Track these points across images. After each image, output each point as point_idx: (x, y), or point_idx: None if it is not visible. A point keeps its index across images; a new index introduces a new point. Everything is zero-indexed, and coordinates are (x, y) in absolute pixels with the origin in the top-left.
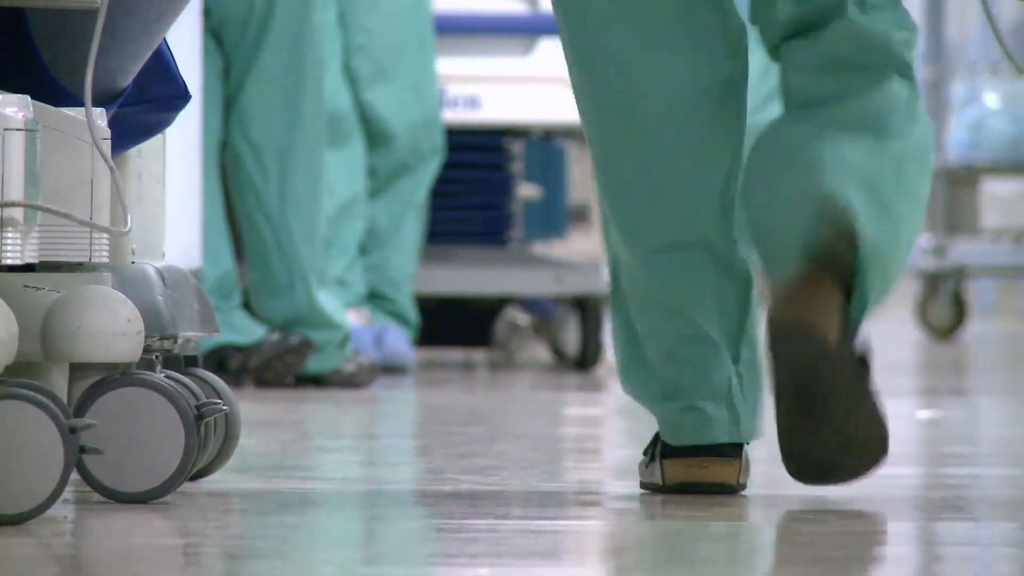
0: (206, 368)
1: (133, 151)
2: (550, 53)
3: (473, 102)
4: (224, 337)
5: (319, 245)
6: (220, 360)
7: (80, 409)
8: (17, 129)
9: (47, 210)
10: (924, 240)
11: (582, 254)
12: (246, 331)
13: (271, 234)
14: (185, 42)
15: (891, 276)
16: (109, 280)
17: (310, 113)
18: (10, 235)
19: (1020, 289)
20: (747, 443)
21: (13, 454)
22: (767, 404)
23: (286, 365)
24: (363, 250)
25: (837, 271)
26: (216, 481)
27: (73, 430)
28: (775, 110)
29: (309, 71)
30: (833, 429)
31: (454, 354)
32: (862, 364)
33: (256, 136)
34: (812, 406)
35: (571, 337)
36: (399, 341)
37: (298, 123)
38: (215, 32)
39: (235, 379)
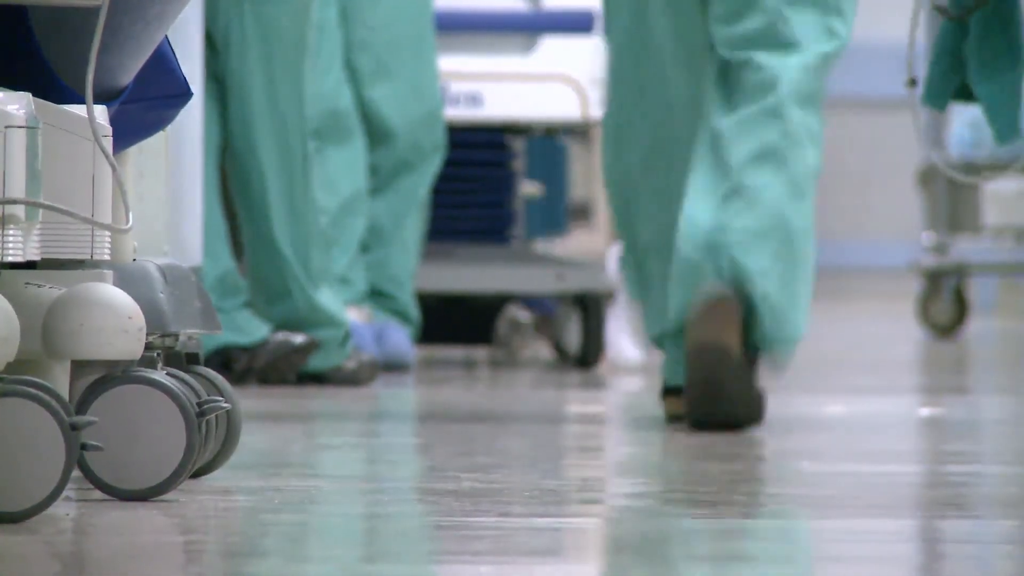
0: (210, 369)
1: (134, 148)
2: (552, 50)
3: (475, 99)
4: (228, 337)
5: (312, 246)
6: (225, 361)
7: (81, 406)
8: (19, 126)
9: (49, 207)
10: (925, 238)
11: (584, 252)
12: (250, 331)
13: (262, 243)
14: (186, 40)
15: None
16: (111, 277)
17: (291, 118)
18: (12, 232)
19: (1022, 287)
20: None
21: (14, 451)
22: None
23: (290, 365)
24: (364, 248)
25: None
26: (217, 478)
27: (74, 427)
28: None
29: (283, 76)
30: (726, 414)
31: (455, 352)
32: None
33: (239, 146)
34: (713, 396)
35: (573, 335)
36: (400, 339)
37: (270, 131)
38: (208, 33)
39: (239, 379)
